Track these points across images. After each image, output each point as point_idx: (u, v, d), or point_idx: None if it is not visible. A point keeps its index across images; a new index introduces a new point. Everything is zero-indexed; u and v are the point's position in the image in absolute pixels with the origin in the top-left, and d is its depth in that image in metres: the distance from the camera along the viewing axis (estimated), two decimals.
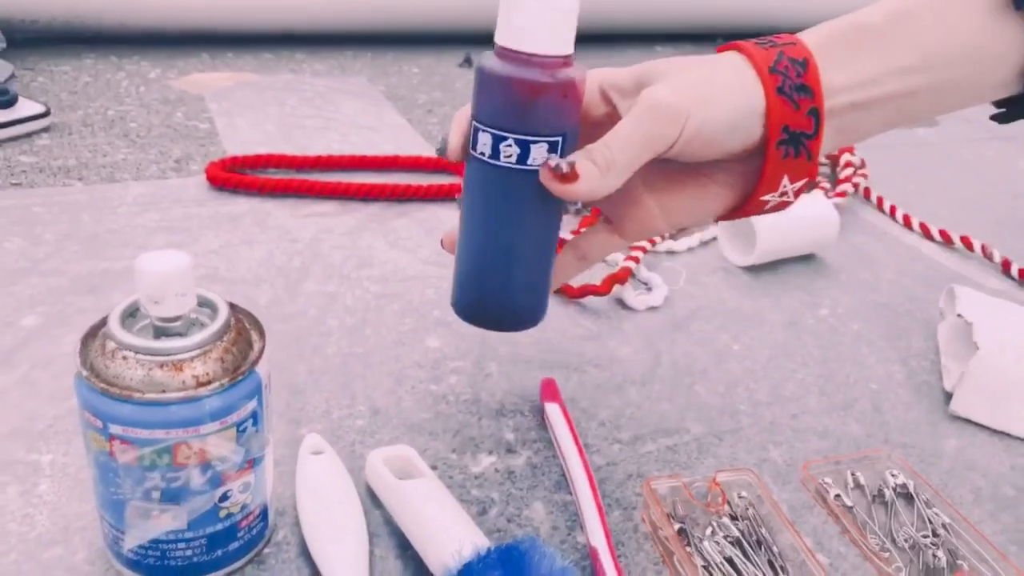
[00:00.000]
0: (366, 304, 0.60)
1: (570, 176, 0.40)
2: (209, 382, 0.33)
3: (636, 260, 0.66)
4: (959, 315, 0.58)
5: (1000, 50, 0.42)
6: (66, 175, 0.74)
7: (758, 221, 0.68)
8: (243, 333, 0.36)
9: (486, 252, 0.44)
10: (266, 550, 0.39)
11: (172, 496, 0.34)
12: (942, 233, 0.78)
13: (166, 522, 0.35)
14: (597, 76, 0.44)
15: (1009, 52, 0.42)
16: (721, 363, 0.57)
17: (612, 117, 0.43)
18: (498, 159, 0.41)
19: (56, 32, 1.06)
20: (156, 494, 0.34)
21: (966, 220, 0.82)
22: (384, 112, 0.97)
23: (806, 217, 0.71)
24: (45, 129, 0.82)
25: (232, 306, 0.37)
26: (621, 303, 0.63)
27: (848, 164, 0.86)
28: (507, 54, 0.40)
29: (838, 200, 0.81)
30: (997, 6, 0.41)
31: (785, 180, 0.42)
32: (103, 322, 0.35)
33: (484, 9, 1.23)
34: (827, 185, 0.82)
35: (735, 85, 0.40)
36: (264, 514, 0.39)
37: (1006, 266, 0.73)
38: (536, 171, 0.41)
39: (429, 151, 0.86)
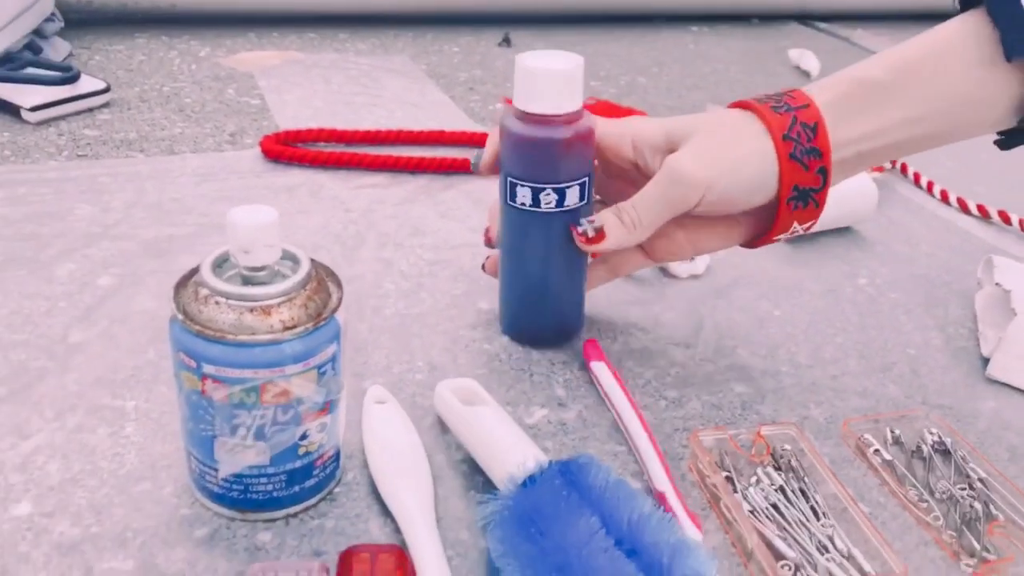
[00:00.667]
0: (420, 270, 0.62)
1: (596, 238, 0.49)
2: (294, 326, 0.36)
3: None
4: (997, 284, 0.59)
5: (994, 96, 0.47)
6: (128, 147, 0.77)
7: None
8: (323, 283, 0.39)
9: (535, 284, 0.53)
10: (337, 489, 0.42)
11: (257, 433, 0.37)
12: (979, 208, 0.79)
13: (251, 457, 0.38)
14: (629, 131, 0.50)
15: (1002, 96, 0.47)
16: (762, 328, 0.59)
17: (641, 169, 0.50)
18: (539, 207, 0.49)
19: (109, 13, 1.09)
20: (243, 431, 0.37)
21: (1004, 196, 0.83)
22: (427, 89, 1.00)
23: (845, 191, 0.72)
24: (105, 104, 0.85)
25: (312, 259, 0.39)
26: (664, 271, 0.65)
27: None
28: (534, 118, 0.47)
29: (876, 175, 0.82)
30: (989, 57, 0.46)
31: (795, 224, 0.50)
32: (194, 272, 0.38)
33: None
34: None
35: (754, 154, 0.47)
36: (337, 456, 0.42)
37: None
38: (571, 211, 0.49)
39: (472, 127, 0.88)
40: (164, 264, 0.59)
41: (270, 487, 0.39)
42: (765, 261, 0.68)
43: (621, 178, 0.52)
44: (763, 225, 0.51)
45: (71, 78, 0.82)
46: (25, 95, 0.80)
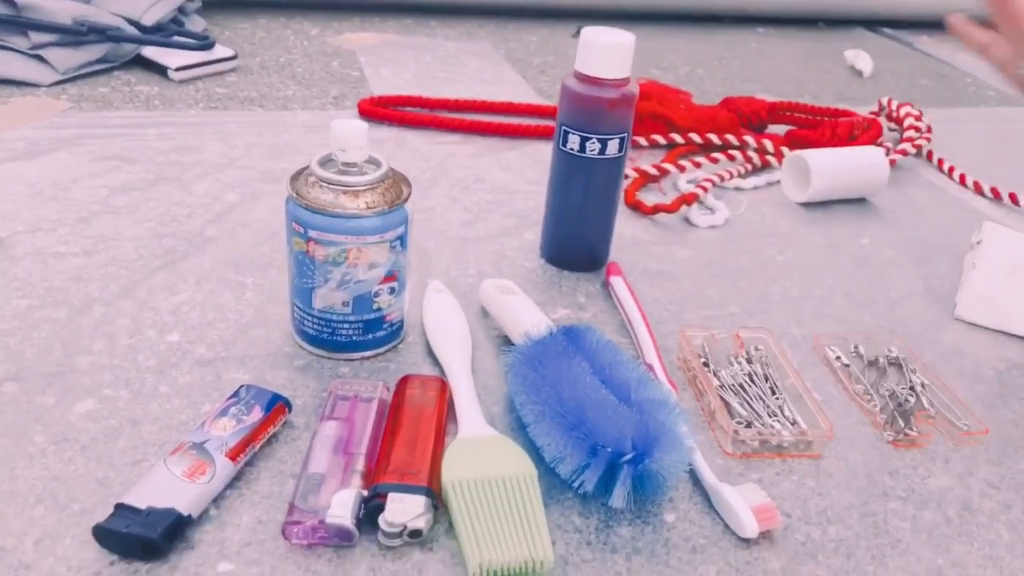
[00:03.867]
0: (479, 206, 0.75)
1: None
2: (375, 207, 0.49)
3: (704, 189, 0.79)
4: (978, 241, 0.68)
5: None
6: (250, 103, 0.93)
7: (813, 162, 0.79)
8: (397, 182, 0.52)
9: (573, 217, 0.65)
10: (400, 346, 0.55)
11: (343, 284, 0.50)
12: (992, 190, 0.87)
13: (338, 302, 0.51)
14: None
15: None
16: (764, 268, 0.69)
17: None
18: (584, 152, 0.61)
19: None
20: (333, 283, 0.50)
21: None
22: (503, 70, 1.13)
23: (858, 163, 0.81)
24: (233, 70, 1.01)
25: (390, 165, 0.52)
26: (687, 221, 0.76)
27: (912, 128, 0.95)
28: (589, 79, 0.59)
29: (900, 158, 0.91)
30: None
31: None
32: (304, 167, 0.51)
33: None
34: (889, 145, 0.92)
35: None
36: (402, 322, 0.55)
37: None
38: (611, 159, 0.61)
39: (539, 100, 1.01)
40: (276, 188, 0.74)
41: (351, 332, 0.52)
42: (780, 219, 0.78)
43: None
44: None
45: (207, 45, 0.99)
46: (171, 58, 0.97)
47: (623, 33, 0.59)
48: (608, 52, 0.59)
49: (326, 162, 0.51)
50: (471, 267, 0.65)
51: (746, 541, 0.43)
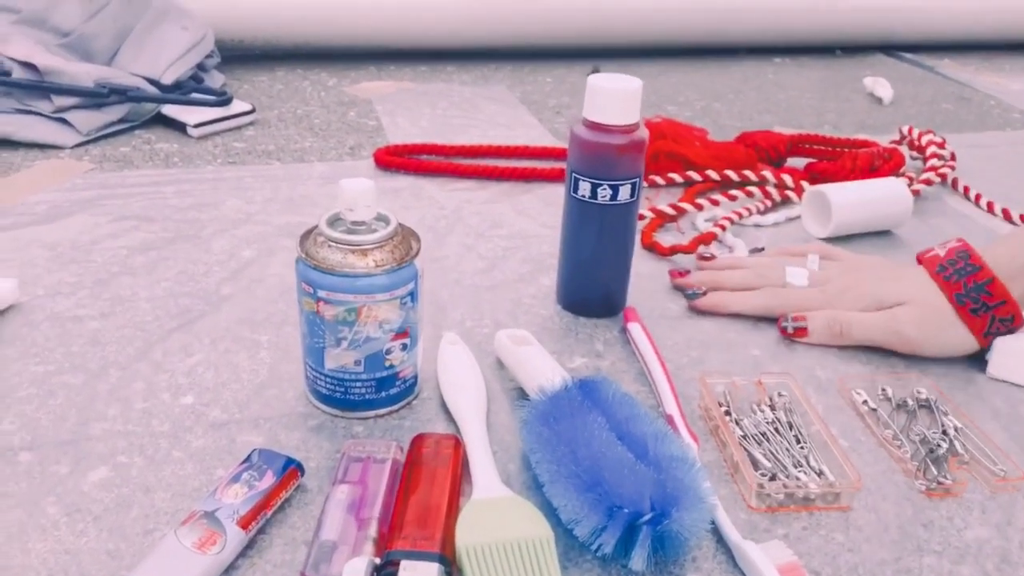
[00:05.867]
0: (495, 253, 0.75)
1: (798, 333, 0.62)
2: (384, 265, 0.49)
3: (723, 228, 0.78)
4: None
5: None
6: (268, 156, 0.94)
7: (833, 197, 0.78)
8: (406, 238, 0.52)
9: (588, 263, 0.64)
10: (414, 402, 0.55)
11: (354, 343, 0.50)
12: (1022, 216, 0.85)
13: (349, 361, 0.51)
14: None
15: None
16: None
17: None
18: (596, 199, 0.61)
19: (256, 50, 1.29)
20: (344, 342, 0.50)
21: None
22: (519, 113, 1.13)
23: (880, 195, 0.80)
24: (251, 123, 1.03)
25: (399, 221, 0.52)
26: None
27: (934, 155, 0.93)
28: (597, 126, 0.59)
29: (924, 188, 0.89)
30: None
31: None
32: (314, 227, 0.51)
33: (610, 27, 1.37)
34: (912, 175, 0.90)
35: (961, 341, 0.60)
36: (415, 378, 0.54)
37: None
38: (623, 204, 0.61)
39: (552, 143, 1.01)
40: (291, 242, 0.74)
41: (363, 390, 0.52)
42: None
43: None
44: None
45: (225, 101, 1.00)
46: (190, 114, 0.98)
47: (630, 79, 0.59)
48: (615, 99, 0.58)
49: (334, 221, 0.51)
50: (486, 316, 0.65)
51: None
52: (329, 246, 0.49)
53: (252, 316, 0.63)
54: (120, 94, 0.96)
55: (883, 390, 0.58)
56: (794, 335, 0.62)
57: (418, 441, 0.49)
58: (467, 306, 0.66)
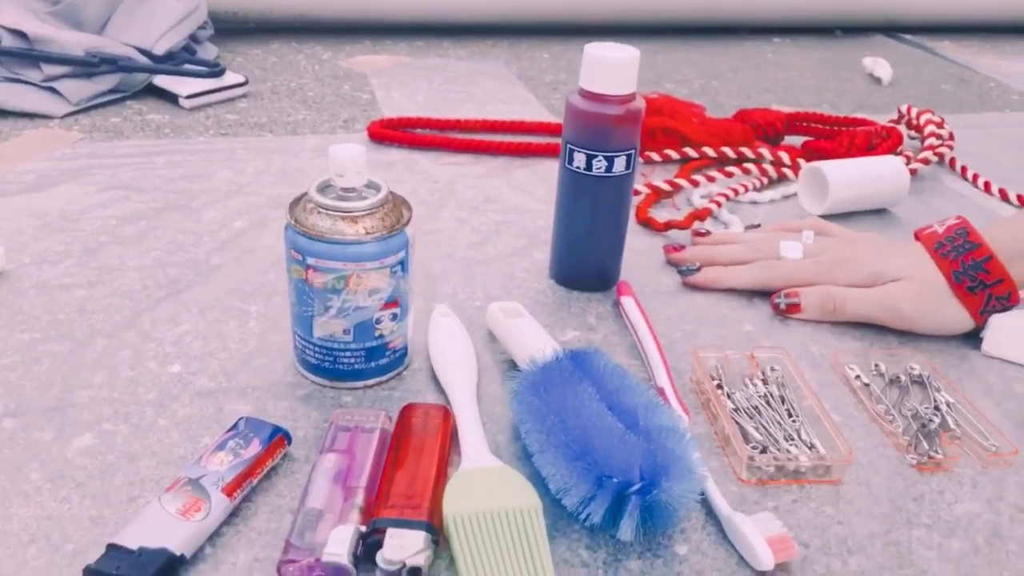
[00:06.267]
0: (488, 227, 0.74)
1: (791, 309, 0.61)
2: (374, 232, 0.48)
3: (718, 204, 0.77)
4: None
5: None
6: (260, 129, 0.93)
7: (830, 173, 0.77)
8: (397, 206, 0.51)
9: (581, 236, 0.63)
10: (404, 373, 0.54)
11: (343, 312, 0.49)
12: (1019, 197, 0.84)
13: (338, 330, 0.50)
14: None
15: None
16: None
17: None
18: (591, 171, 0.59)
19: (250, 22, 1.27)
20: (333, 311, 0.49)
21: None
22: (515, 89, 1.12)
23: (877, 173, 0.79)
24: (244, 96, 1.02)
25: (390, 189, 0.52)
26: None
27: (932, 135, 0.93)
28: (593, 96, 0.58)
29: (921, 167, 0.88)
30: None
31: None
32: (304, 194, 0.51)
33: (609, 4, 1.36)
34: (910, 154, 0.90)
35: (956, 320, 0.59)
36: (405, 348, 0.54)
37: None
38: (618, 176, 0.59)
39: (549, 118, 1.00)
40: (283, 213, 0.73)
41: (352, 360, 0.51)
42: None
43: None
44: None
45: (218, 72, 0.99)
46: (182, 86, 0.97)
47: (627, 48, 0.58)
48: (612, 68, 0.57)
49: (325, 188, 0.50)
50: (479, 289, 0.64)
51: (762, 574, 0.41)
52: (319, 212, 0.48)
53: (242, 286, 0.62)
54: (111, 64, 0.95)
55: (876, 366, 0.57)
56: (787, 311, 0.62)
57: (407, 411, 0.48)
58: (459, 279, 0.65)
